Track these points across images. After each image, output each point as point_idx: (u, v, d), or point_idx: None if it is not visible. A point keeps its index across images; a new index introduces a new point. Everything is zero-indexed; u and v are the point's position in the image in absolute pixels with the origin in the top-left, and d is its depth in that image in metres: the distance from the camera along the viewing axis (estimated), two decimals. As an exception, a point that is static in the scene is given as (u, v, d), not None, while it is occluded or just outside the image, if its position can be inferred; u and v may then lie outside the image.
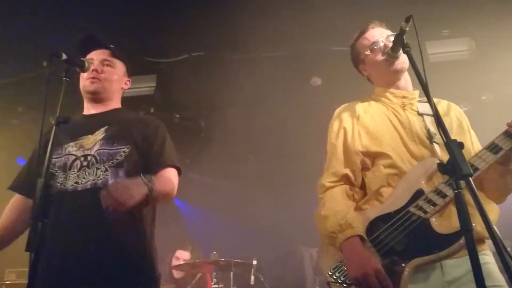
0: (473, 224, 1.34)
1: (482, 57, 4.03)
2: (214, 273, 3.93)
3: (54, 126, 1.52)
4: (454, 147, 1.13)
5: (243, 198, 6.06)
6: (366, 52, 1.81)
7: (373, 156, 1.66)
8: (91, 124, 1.90)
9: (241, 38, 4.00)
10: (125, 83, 2.10)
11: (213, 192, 6.08)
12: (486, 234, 1.32)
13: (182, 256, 4.37)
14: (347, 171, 1.67)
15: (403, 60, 1.72)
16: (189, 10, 3.78)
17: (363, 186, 1.69)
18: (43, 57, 4.21)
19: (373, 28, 1.84)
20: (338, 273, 1.52)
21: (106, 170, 1.75)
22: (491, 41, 3.91)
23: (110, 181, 1.72)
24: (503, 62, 3.98)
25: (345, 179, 1.67)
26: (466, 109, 4.42)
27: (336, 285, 1.51)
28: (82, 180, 1.73)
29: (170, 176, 1.86)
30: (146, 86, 4.51)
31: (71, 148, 1.80)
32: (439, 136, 1.61)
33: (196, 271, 4.20)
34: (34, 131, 4.81)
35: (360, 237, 1.50)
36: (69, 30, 3.87)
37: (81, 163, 1.75)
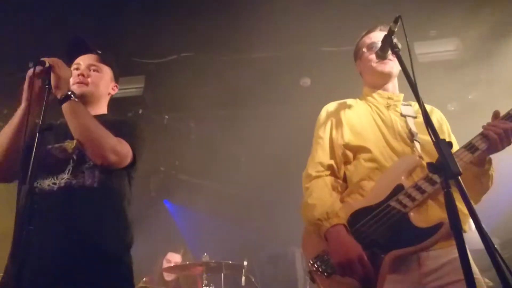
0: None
1: (469, 57, 4.09)
2: (205, 275, 3.90)
3: (38, 134, 1.53)
4: (443, 146, 1.14)
5: (233, 199, 6.04)
6: (363, 49, 1.91)
7: (355, 150, 1.73)
8: None
9: (230, 39, 4.00)
10: (112, 89, 2.10)
11: (203, 194, 6.06)
12: (463, 226, 1.48)
13: (173, 258, 4.34)
14: (332, 162, 1.75)
15: (392, 65, 1.80)
16: (178, 10, 3.76)
17: (344, 179, 1.76)
18: (28, 58, 4.15)
19: (380, 30, 1.90)
20: (320, 262, 1.57)
21: (83, 172, 1.77)
22: (478, 41, 3.96)
23: (87, 182, 1.75)
24: (490, 62, 4.05)
25: (331, 169, 1.75)
26: (453, 108, 4.47)
27: (317, 274, 1.56)
28: (60, 181, 1.74)
29: (107, 133, 1.74)
30: (135, 87, 4.47)
31: (55, 150, 1.82)
32: (420, 135, 1.70)
33: (187, 273, 4.18)
34: (20, 133, 4.73)
35: (345, 226, 1.55)
36: (54, 32, 3.82)
37: (62, 166, 1.78)
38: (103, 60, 2.04)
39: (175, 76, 4.36)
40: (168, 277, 4.27)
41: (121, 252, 1.78)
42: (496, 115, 1.60)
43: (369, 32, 1.93)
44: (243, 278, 3.89)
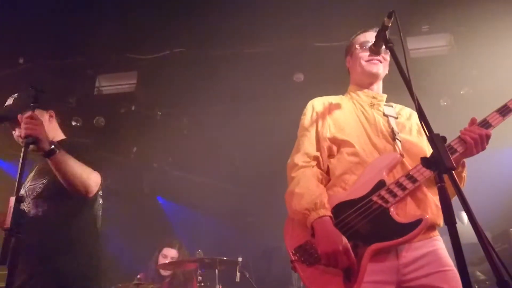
0: (427, 216, 1.52)
1: (461, 52, 4.11)
2: (199, 271, 3.90)
3: (24, 148, 1.70)
4: (437, 140, 1.15)
5: (227, 195, 6.04)
6: (356, 46, 1.94)
7: (339, 144, 1.78)
8: (36, 163, 2.22)
9: (223, 34, 3.98)
10: (50, 115, 2.23)
11: (196, 190, 6.04)
12: (437, 221, 1.61)
13: (170, 253, 4.32)
14: (318, 154, 1.80)
15: (380, 66, 1.87)
16: (170, 6, 3.73)
17: (327, 173, 1.80)
18: (18, 54, 4.12)
19: (375, 31, 1.88)
20: (303, 251, 1.62)
21: (29, 203, 2.02)
22: (470, 36, 3.99)
23: (32, 212, 1.99)
24: (482, 57, 4.07)
25: (317, 160, 1.79)
26: (445, 103, 4.50)
27: (299, 263, 1.61)
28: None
29: (88, 171, 1.99)
30: (127, 83, 4.44)
31: (29, 187, 2.10)
32: (401, 135, 1.77)
33: (181, 269, 4.17)
34: (8, 129, 4.68)
35: (331, 218, 1.60)
36: (46, 27, 3.78)
37: (27, 199, 2.06)
38: (18, 112, 2.07)
39: (168, 72, 4.33)
40: (164, 272, 4.26)
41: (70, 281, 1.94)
42: (473, 121, 1.67)
43: (364, 31, 1.96)
44: (238, 274, 3.89)
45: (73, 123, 4.77)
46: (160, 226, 6.17)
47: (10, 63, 4.14)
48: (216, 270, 3.88)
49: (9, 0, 3.54)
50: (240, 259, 3.91)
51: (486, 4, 3.64)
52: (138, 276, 4.14)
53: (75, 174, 1.92)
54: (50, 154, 1.86)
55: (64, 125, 2.31)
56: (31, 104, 1.90)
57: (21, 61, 4.13)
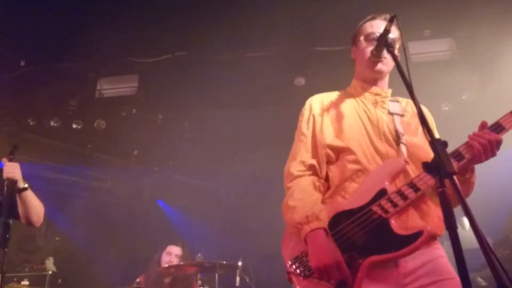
0: (428, 227, 1.45)
1: (462, 57, 4.11)
2: (199, 275, 3.89)
3: (6, 187, 2.26)
4: (438, 145, 1.14)
5: (228, 199, 6.03)
6: (361, 38, 1.82)
7: (338, 151, 1.69)
8: None
9: (224, 38, 3.99)
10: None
11: (197, 194, 6.04)
12: (438, 232, 1.53)
13: (174, 251, 4.29)
14: (314, 162, 1.70)
15: (384, 63, 1.74)
16: (172, 9, 3.74)
17: (326, 179, 1.71)
18: (20, 57, 4.13)
19: (384, 19, 1.80)
20: (298, 263, 1.57)
21: None
22: (471, 41, 3.99)
23: None
24: (483, 62, 4.07)
25: (313, 169, 1.70)
26: (447, 108, 4.50)
27: (295, 275, 1.56)
28: None
29: (42, 206, 2.50)
30: (128, 86, 4.45)
31: None
32: (406, 137, 1.67)
33: (182, 273, 4.16)
34: (12, 132, 4.70)
35: (325, 229, 1.53)
36: (48, 30, 3.80)
37: None
38: None
39: (169, 76, 4.34)
40: (164, 277, 4.24)
41: None
42: (483, 125, 1.56)
43: (373, 18, 1.83)
44: (238, 278, 3.88)
45: (74, 126, 4.78)
46: (160, 230, 6.15)
47: (11, 65, 4.15)
48: (216, 274, 3.86)
49: (10, 3, 3.55)
50: (240, 263, 3.90)
51: (487, 9, 3.65)
52: (138, 280, 4.13)
53: (37, 209, 2.45)
54: (22, 190, 2.38)
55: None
56: (9, 155, 2.46)
57: (22, 63, 4.14)
